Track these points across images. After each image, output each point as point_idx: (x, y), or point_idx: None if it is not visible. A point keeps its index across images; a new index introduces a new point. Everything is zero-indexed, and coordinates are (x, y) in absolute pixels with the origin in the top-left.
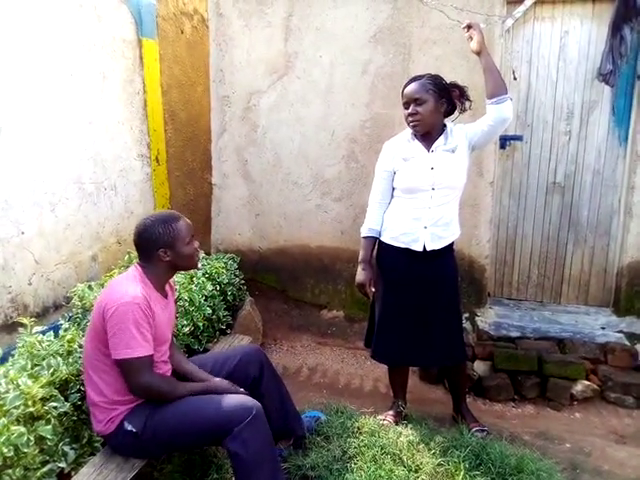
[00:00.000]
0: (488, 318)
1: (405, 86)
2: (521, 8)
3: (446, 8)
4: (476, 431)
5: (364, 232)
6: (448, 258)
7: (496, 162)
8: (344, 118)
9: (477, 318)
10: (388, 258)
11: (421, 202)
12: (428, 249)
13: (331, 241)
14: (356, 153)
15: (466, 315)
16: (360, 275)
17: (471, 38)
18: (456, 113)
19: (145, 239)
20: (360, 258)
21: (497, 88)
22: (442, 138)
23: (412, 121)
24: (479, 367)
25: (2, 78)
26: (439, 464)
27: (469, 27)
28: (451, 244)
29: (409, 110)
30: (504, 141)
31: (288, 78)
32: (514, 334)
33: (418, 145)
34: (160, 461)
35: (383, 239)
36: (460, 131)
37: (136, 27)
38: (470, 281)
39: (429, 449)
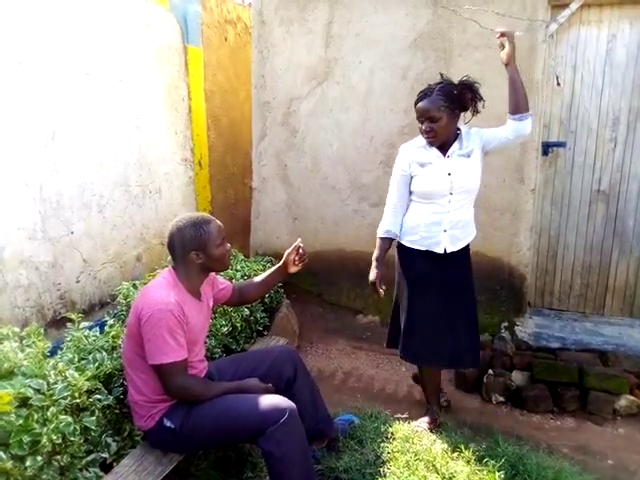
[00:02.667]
0: (527, 328)
1: (417, 101)
2: (566, 12)
3: (485, 14)
4: (444, 401)
5: (381, 233)
6: (465, 258)
7: (538, 169)
8: (383, 124)
9: (516, 327)
10: (410, 260)
11: (440, 207)
12: (448, 251)
13: (367, 246)
14: (394, 159)
15: (505, 324)
16: (372, 273)
17: (503, 46)
18: (469, 114)
19: (177, 241)
20: (374, 256)
21: (520, 105)
22: (457, 143)
23: (427, 137)
24: (517, 377)
25: (56, 84)
26: (473, 472)
27: (502, 35)
28: (467, 245)
29: (423, 126)
30: (546, 147)
31: (328, 84)
32: (554, 345)
33: (434, 151)
34: (197, 457)
35: (404, 242)
36: (475, 135)
37: (182, 34)
38: (509, 290)
39: (463, 457)
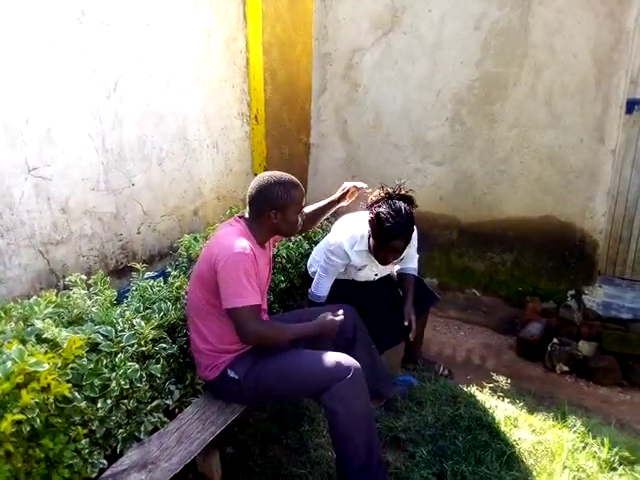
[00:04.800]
0: (597, 297)
1: (391, 238)
2: None
3: None
4: (444, 369)
5: (317, 299)
6: None
7: (620, 128)
8: (451, 77)
9: (584, 296)
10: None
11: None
12: None
13: (428, 206)
14: (462, 115)
15: (572, 292)
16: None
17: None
18: None
19: (262, 196)
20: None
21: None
22: None
23: (386, 263)
24: (584, 347)
25: (118, 35)
26: (539, 442)
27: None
28: None
29: (389, 257)
30: (631, 105)
31: (394, 34)
32: (625, 316)
33: (372, 259)
34: (255, 409)
35: None
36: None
37: None
38: (579, 257)
39: (528, 425)
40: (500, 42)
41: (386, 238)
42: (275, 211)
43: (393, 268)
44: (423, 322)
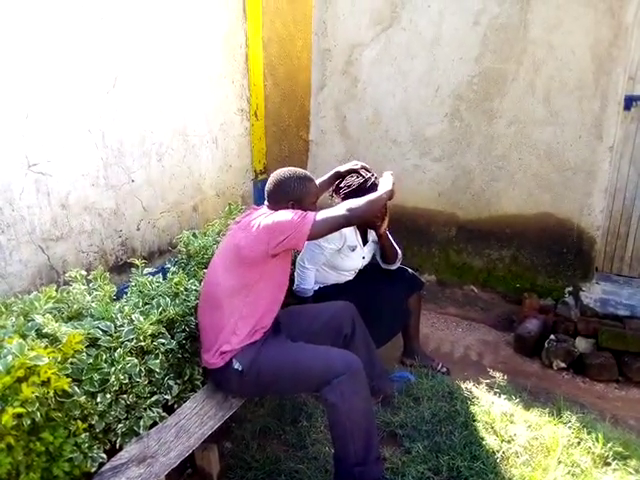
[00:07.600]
0: (594, 294)
1: (373, 186)
2: None
3: None
4: (442, 367)
5: (305, 292)
6: None
7: (618, 125)
8: (450, 73)
9: (581, 293)
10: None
11: (344, 276)
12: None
13: (427, 203)
14: (461, 111)
15: (569, 289)
16: None
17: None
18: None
19: (280, 189)
20: None
21: (389, 260)
22: (369, 231)
23: (383, 219)
24: (581, 344)
25: (117, 29)
26: (534, 438)
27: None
28: None
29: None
30: (629, 101)
31: (393, 30)
32: (622, 313)
33: (359, 236)
34: (254, 404)
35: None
36: None
37: None
38: (577, 253)
39: (524, 421)
40: (499, 38)
41: (367, 191)
42: (293, 202)
43: (372, 251)
44: (416, 303)
